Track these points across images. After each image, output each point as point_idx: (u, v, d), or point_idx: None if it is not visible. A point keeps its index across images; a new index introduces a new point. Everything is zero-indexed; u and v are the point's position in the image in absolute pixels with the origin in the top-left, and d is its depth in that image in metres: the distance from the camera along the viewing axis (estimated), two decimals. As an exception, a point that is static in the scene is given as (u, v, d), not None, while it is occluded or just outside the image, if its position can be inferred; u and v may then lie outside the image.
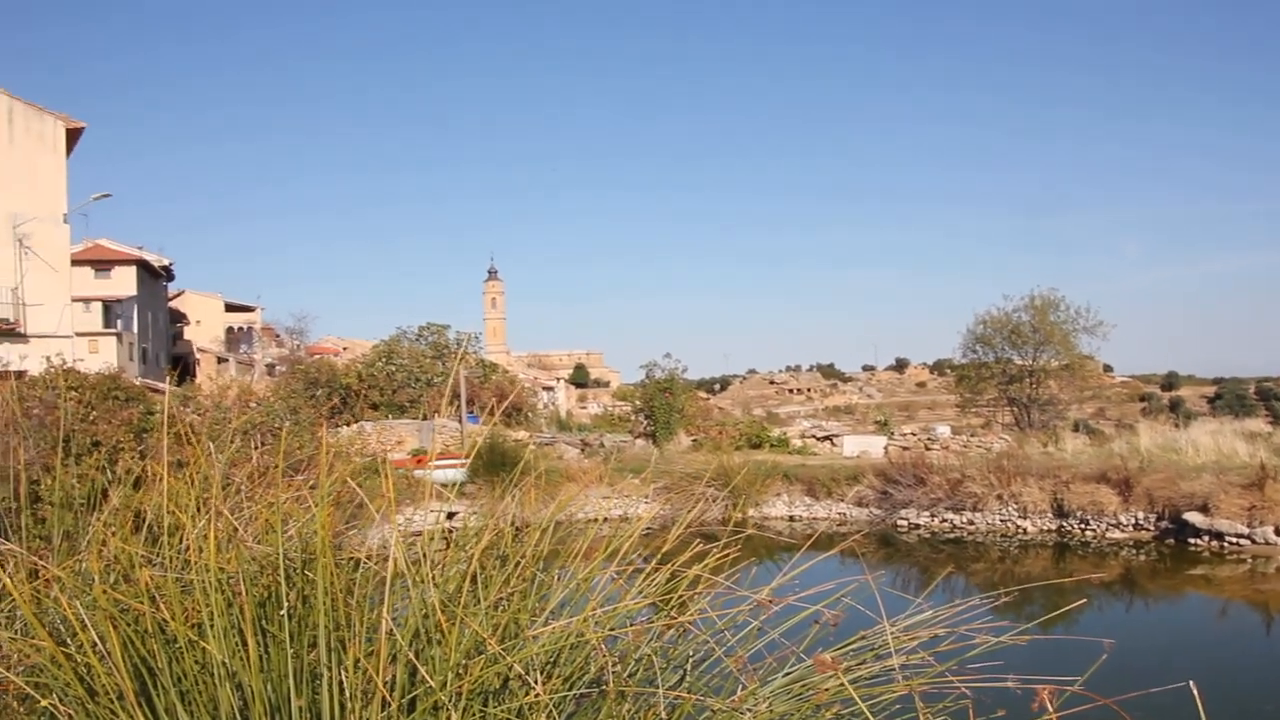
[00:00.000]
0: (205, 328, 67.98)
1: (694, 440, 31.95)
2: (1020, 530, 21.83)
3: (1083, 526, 21.23)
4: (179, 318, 64.93)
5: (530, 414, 49.15)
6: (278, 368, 56.63)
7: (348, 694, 2.58)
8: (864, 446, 30.42)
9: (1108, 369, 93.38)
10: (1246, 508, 18.71)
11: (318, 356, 56.66)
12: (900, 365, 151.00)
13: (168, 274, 60.35)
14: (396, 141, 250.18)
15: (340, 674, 2.61)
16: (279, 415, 19.92)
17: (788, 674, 2.83)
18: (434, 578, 2.81)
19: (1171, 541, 19.72)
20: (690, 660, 2.99)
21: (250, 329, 72.90)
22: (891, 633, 2.84)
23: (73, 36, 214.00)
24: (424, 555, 2.98)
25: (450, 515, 3.32)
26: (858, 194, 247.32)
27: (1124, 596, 17.03)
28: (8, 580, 2.79)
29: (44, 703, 2.67)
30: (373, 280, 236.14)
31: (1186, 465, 21.63)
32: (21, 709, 2.97)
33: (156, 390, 23.48)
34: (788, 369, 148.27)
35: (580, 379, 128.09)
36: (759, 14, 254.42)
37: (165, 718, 2.67)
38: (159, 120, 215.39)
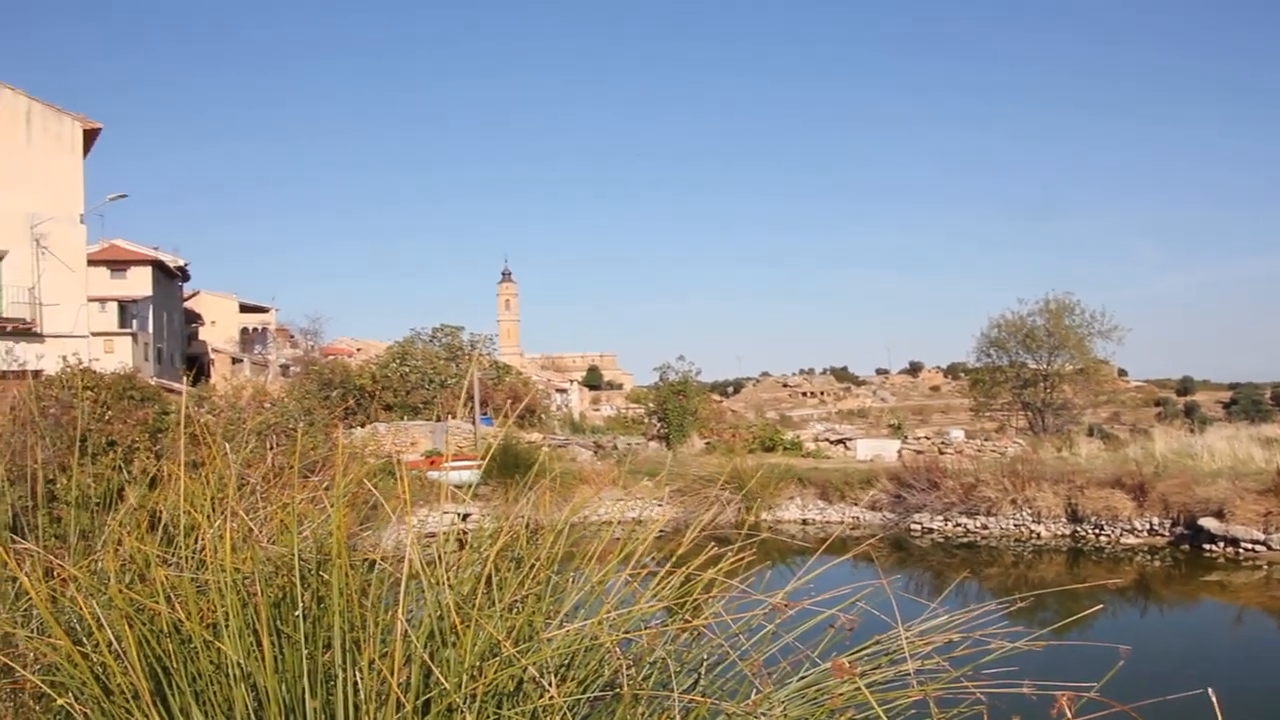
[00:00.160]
0: (220, 328, 68.37)
1: (707, 443, 31.90)
2: (1034, 535, 21.74)
3: (1097, 532, 21.12)
4: (194, 318, 65.29)
5: (544, 416, 49.24)
6: (292, 368, 56.78)
7: (362, 695, 2.58)
8: (877, 450, 30.35)
9: (1122, 373, 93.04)
10: (1262, 514, 18.58)
11: (332, 357, 56.78)
12: (914, 369, 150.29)
13: (183, 274, 60.69)
14: (416, 143, 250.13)
15: (355, 675, 2.62)
16: (293, 416, 20.03)
17: (802, 678, 2.82)
18: (449, 579, 2.81)
19: (1186, 547, 19.61)
20: (705, 664, 2.98)
21: (265, 330, 73.22)
22: (906, 638, 2.82)
23: (83, 35, 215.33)
24: (439, 557, 2.98)
25: (465, 517, 3.32)
26: (863, 196, 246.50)
27: (1139, 602, 16.94)
28: (25, 579, 2.81)
29: (60, 701, 2.69)
30: (386, 282, 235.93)
31: (1202, 471, 21.50)
32: (38, 707, 2.99)
33: (172, 390, 23.60)
34: (801, 372, 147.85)
35: (594, 381, 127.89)
36: (760, 14, 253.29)
37: (180, 717, 2.68)
38: (171, 120, 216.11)
